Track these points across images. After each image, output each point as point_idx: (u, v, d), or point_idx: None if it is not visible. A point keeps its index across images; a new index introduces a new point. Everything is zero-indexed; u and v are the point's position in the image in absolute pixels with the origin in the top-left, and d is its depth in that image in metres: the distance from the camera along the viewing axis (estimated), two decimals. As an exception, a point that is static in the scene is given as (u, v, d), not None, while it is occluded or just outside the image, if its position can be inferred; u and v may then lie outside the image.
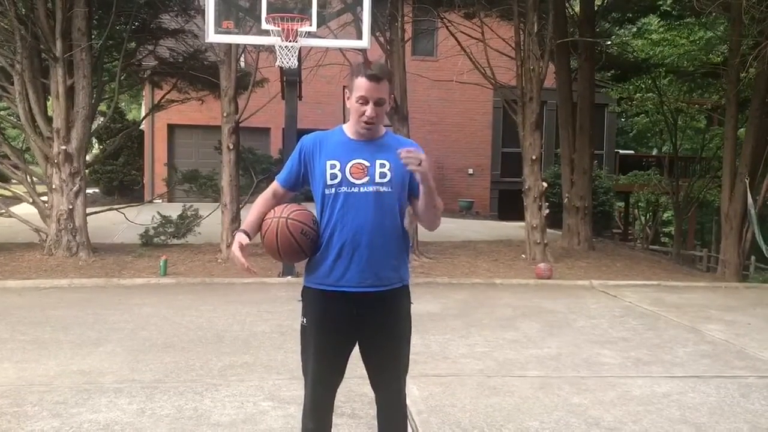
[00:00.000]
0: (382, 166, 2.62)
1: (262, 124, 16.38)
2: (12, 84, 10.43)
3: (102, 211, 11.70)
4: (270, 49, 9.66)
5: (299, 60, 9.07)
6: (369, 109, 2.58)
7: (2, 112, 13.98)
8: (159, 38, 12.49)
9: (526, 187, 11.21)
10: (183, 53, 12.71)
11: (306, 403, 2.71)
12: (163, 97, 13.25)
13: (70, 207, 9.99)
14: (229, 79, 10.24)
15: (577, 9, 14.05)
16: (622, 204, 24.21)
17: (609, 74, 17.95)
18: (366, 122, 2.60)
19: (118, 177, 19.27)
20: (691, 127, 20.52)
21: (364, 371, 2.76)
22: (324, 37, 9.87)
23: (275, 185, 2.78)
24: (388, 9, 10.76)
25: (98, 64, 10.87)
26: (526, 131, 11.15)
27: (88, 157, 11.44)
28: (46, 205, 10.38)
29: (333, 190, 2.60)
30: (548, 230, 11.73)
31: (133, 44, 12.14)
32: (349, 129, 2.69)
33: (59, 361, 5.07)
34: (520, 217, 12.12)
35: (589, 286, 9.42)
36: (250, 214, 2.72)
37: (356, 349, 2.73)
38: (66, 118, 9.97)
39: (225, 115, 10.32)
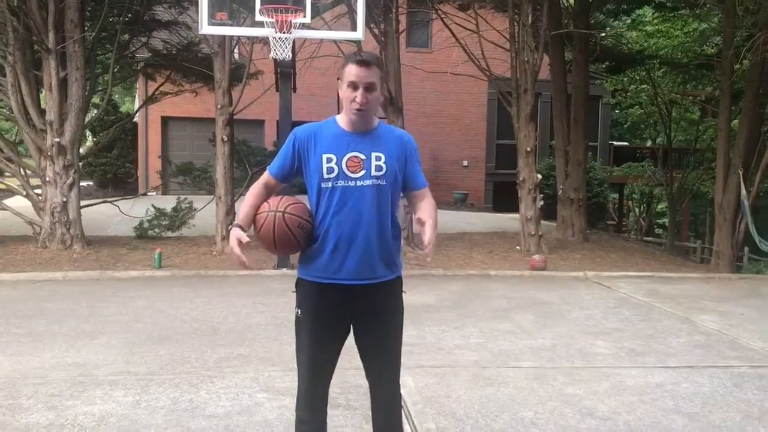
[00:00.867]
0: (378, 159, 2.62)
1: (257, 116, 16.36)
2: (4, 76, 10.37)
3: (96, 204, 11.67)
4: (264, 41, 9.62)
5: (293, 52, 9.05)
6: (359, 95, 2.55)
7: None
8: (152, 30, 12.44)
9: (521, 178, 11.22)
10: (177, 45, 12.66)
11: (300, 394, 2.71)
12: (156, 89, 13.20)
13: (64, 200, 9.97)
14: (223, 71, 10.21)
15: (571, 0, 14.04)
16: (616, 196, 24.27)
17: (603, 66, 17.96)
18: (357, 108, 2.57)
19: (112, 169, 19.20)
20: (685, 119, 20.56)
21: (359, 362, 2.76)
22: (318, 29, 9.84)
23: (267, 176, 2.76)
24: (383, 0, 10.73)
25: (91, 56, 10.82)
26: (521, 123, 11.16)
27: (81, 150, 11.41)
28: (40, 197, 10.34)
29: (330, 183, 2.59)
30: (543, 222, 11.78)
31: (126, 36, 12.09)
32: (342, 120, 2.68)
33: (54, 354, 5.06)
34: (515, 208, 12.14)
35: (583, 277, 9.45)
36: (243, 208, 2.70)
37: (351, 341, 2.73)
38: (59, 110, 9.93)
39: (219, 107, 10.29)
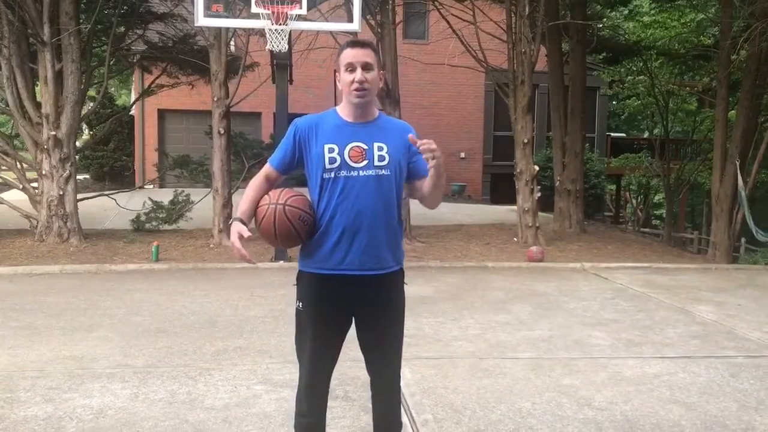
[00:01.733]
0: (380, 149, 2.60)
1: (253, 108, 16.32)
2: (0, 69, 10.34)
3: (93, 197, 11.63)
4: (260, 33, 9.58)
5: (290, 44, 9.02)
6: (358, 74, 2.54)
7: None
8: (148, 22, 12.37)
9: (518, 170, 11.22)
10: (172, 37, 12.60)
11: (301, 387, 2.71)
12: (152, 82, 13.15)
13: (61, 193, 9.94)
14: (219, 64, 10.18)
15: (568, -9, 14.00)
16: (613, 187, 24.29)
17: (600, 57, 17.95)
18: (357, 89, 2.56)
19: (109, 163, 19.13)
20: (682, 110, 20.54)
21: (358, 354, 2.76)
22: (314, 20, 9.80)
23: (268, 168, 2.74)
24: (379, -8, 10.70)
25: (87, 49, 10.77)
26: (518, 114, 11.14)
27: (78, 143, 11.37)
28: (37, 191, 10.31)
29: (332, 174, 2.57)
30: (540, 213, 11.78)
31: (122, 28, 12.03)
32: (342, 110, 2.67)
33: (52, 347, 5.06)
34: (512, 200, 12.15)
35: (580, 268, 9.47)
36: (243, 201, 2.69)
37: (351, 333, 2.73)
38: (55, 103, 9.89)
39: (215, 99, 10.26)
